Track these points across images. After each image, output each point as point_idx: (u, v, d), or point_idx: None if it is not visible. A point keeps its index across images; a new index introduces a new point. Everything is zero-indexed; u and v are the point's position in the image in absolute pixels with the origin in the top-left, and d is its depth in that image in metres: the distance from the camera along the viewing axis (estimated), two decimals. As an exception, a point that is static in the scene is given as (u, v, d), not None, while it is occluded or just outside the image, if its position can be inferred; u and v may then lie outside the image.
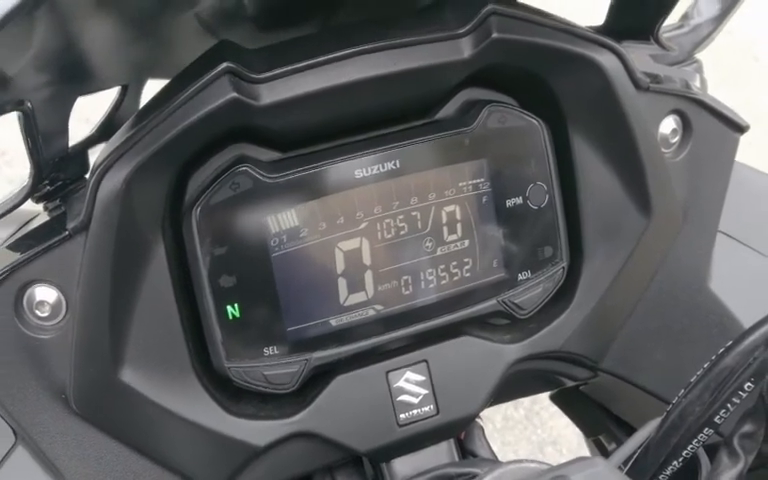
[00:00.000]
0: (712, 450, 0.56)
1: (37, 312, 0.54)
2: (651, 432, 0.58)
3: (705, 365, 0.54)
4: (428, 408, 0.63)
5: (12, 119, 0.47)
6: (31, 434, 0.56)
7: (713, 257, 0.68)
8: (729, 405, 0.54)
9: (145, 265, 0.56)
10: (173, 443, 0.59)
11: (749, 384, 0.53)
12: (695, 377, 0.55)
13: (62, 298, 0.55)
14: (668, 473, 0.57)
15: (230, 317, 0.59)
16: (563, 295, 0.66)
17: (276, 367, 0.60)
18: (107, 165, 0.52)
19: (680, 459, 0.56)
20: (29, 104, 0.45)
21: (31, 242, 0.54)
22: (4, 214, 0.54)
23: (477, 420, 0.69)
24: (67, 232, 0.53)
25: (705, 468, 0.57)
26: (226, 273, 0.58)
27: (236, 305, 0.59)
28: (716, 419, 0.54)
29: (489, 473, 0.47)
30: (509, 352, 0.65)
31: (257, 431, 0.60)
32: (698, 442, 0.55)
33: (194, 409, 0.58)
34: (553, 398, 0.91)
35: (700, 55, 0.75)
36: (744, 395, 0.53)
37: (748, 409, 0.54)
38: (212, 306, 0.58)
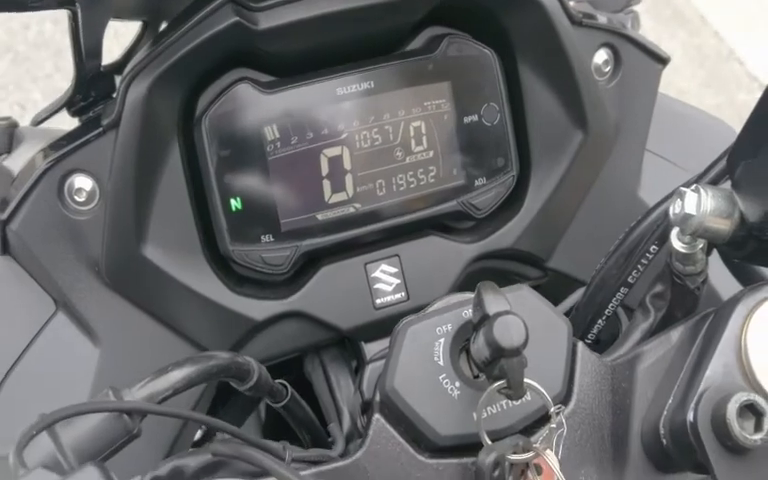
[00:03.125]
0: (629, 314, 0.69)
1: (76, 197, 0.67)
2: (578, 298, 0.70)
3: (620, 236, 0.67)
4: (400, 295, 0.75)
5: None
6: (71, 300, 0.68)
7: (642, 170, 0.80)
8: (639, 266, 0.66)
9: (163, 162, 0.69)
10: (186, 314, 0.71)
11: (654, 247, 0.65)
12: (613, 247, 0.67)
13: (96, 186, 0.67)
14: (595, 332, 0.69)
15: (233, 209, 0.71)
16: (514, 200, 0.78)
17: (271, 251, 0.72)
18: (133, 74, 0.65)
19: (603, 317, 0.68)
20: (77, 5, 0.57)
21: (70, 140, 0.67)
22: (52, 115, 0.66)
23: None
24: (101, 128, 0.65)
25: (624, 324, 0.69)
26: (230, 172, 0.70)
27: (238, 199, 0.71)
28: (629, 279, 0.66)
29: (437, 301, 0.59)
30: (468, 250, 0.77)
31: (256, 308, 0.72)
32: (617, 300, 0.68)
33: (204, 285, 0.71)
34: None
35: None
36: (651, 256, 0.65)
37: (657, 273, 0.66)
38: (218, 199, 0.70)
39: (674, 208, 0.58)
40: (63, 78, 2.85)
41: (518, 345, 0.49)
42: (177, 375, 0.52)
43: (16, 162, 0.72)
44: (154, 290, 0.70)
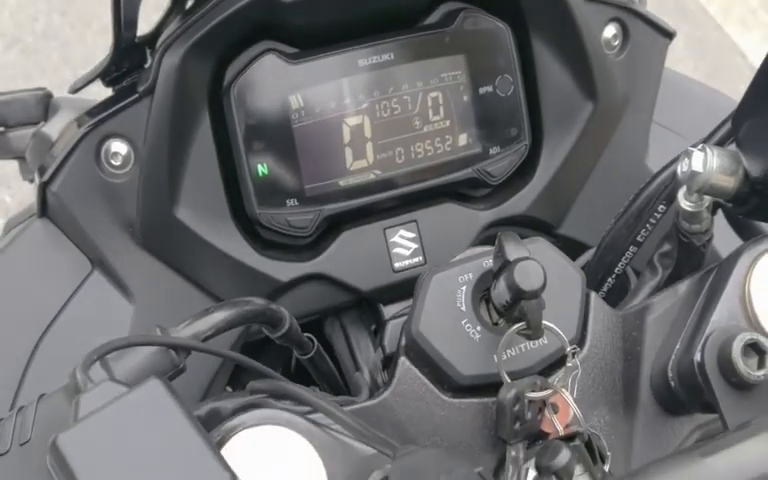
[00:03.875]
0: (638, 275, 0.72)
1: (112, 161, 0.70)
2: (589, 257, 0.74)
3: (630, 198, 0.70)
4: (417, 259, 0.79)
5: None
6: (106, 259, 0.72)
7: (649, 141, 0.84)
8: (648, 225, 0.69)
9: (195, 129, 0.72)
10: (215, 274, 0.74)
11: (662, 207, 0.68)
12: (623, 208, 0.71)
13: (131, 150, 0.70)
14: (605, 289, 0.73)
15: (260, 174, 0.74)
16: (526, 168, 0.81)
17: (296, 215, 0.75)
18: (168, 43, 0.68)
19: (613, 276, 0.72)
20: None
21: (107, 107, 0.70)
22: (88, 83, 0.70)
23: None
24: (137, 95, 0.69)
25: (633, 283, 0.73)
26: (257, 139, 0.74)
27: (265, 164, 0.74)
28: (639, 238, 0.70)
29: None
30: (483, 216, 0.81)
31: (281, 269, 0.76)
32: (626, 259, 0.71)
33: (232, 246, 0.74)
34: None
35: None
36: (659, 216, 0.69)
37: (665, 233, 0.69)
38: (246, 164, 0.74)
39: (682, 166, 0.62)
40: (71, 70, 2.89)
41: (537, 288, 0.53)
42: (218, 316, 0.56)
43: (53, 129, 0.76)
44: (185, 250, 0.73)
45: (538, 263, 0.53)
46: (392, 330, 0.73)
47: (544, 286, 0.53)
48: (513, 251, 0.54)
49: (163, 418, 0.38)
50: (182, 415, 0.38)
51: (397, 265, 0.79)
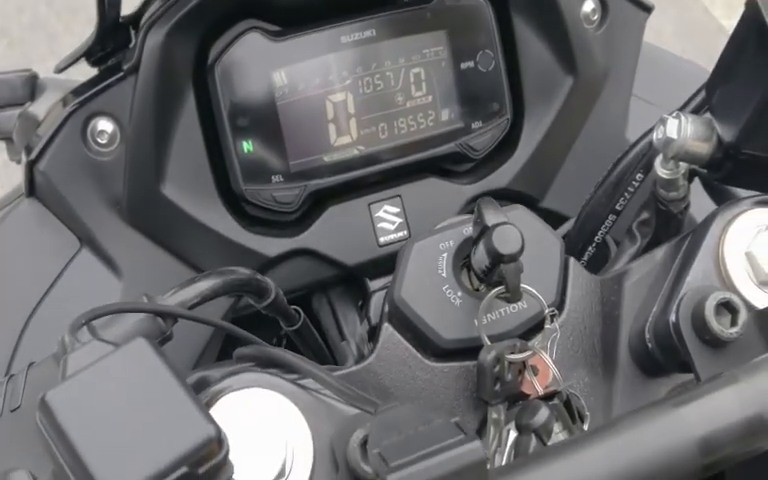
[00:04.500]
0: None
1: (98, 139, 0.71)
2: (570, 227, 0.75)
3: (608, 168, 0.72)
4: (402, 233, 0.80)
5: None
6: (95, 237, 0.73)
7: (629, 114, 0.85)
8: (626, 194, 0.71)
9: (180, 106, 0.73)
10: (202, 250, 0.75)
11: (640, 175, 0.70)
12: (601, 178, 0.72)
13: (117, 129, 0.71)
14: (585, 258, 0.74)
15: (245, 150, 0.75)
16: (508, 143, 0.83)
17: (281, 190, 0.76)
18: (152, 22, 0.69)
19: (593, 244, 0.73)
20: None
21: (92, 86, 0.71)
22: (73, 63, 0.71)
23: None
24: (122, 73, 0.70)
25: (613, 251, 0.74)
26: (242, 116, 0.75)
27: (250, 141, 0.75)
28: (617, 207, 0.71)
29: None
30: (466, 190, 0.82)
31: (267, 245, 0.77)
32: (606, 228, 0.72)
33: (218, 223, 0.75)
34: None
35: None
36: (637, 184, 0.70)
37: (643, 202, 0.71)
38: (231, 141, 0.75)
39: (657, 134, 0.63)
40: (58, 61, 2.89)
41: (515, 251, 0.54)
42: (204, 285, 0.57)
43: (39, 109, 0.77)
44: (172, 227, 0.74)
45: (516, 227, 0.54)
46: (377, 302, 0.75)
47: (522, 250, 0.54)
48: (492, 217, 0.55)
49: (149, 375, 0.39)
50: (168, 373, 0.39)
51: (382, 239, 0.80)
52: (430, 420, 0.40)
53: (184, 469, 0.37)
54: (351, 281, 0.84)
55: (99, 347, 0.41)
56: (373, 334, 0.73)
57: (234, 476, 0.46)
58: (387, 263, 0.80)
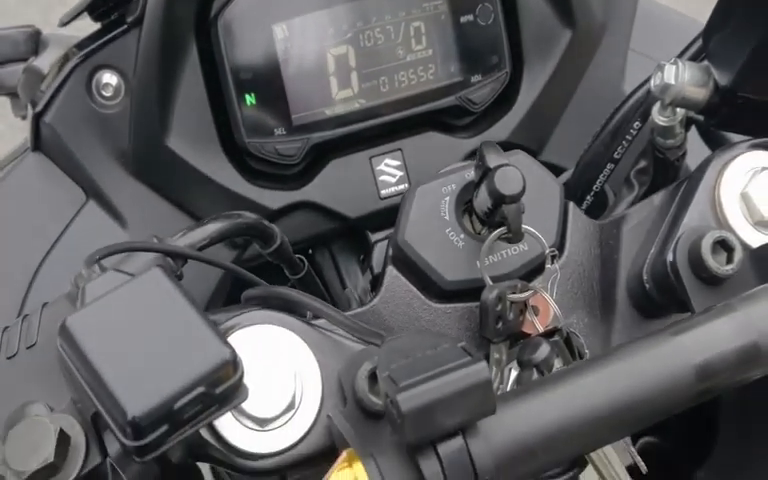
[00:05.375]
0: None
1: (103, 92, 0.72)
2: (568, 176, 0.76)
3: (607, 117, 0.73)
4: (403, 186, 0.81)
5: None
6: (101, 189, 0.74)
7: (626, 67, 0.86)
8: (624, 142, 0.72)
9: (183, 59, 0.74)
10: (206, 202, 0.76)
11: (638, 123, 0.71)
12: (600, 127, 0.73)
13: (121, 81, 0.72)
14: (584, 207, 0.76)
15: (248, 103, 0.76)
16: (508, 96, 0.84)
17: (284, 143, 0.77)
18: None
19: (592, 193, 0.75)
20: None
21: (96, 38, 0.72)
22: (76, 16, 0.71)
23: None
24: (126, 25, 0.70)
25: (611, 199, 0.76)
26: (244, 69, 0.75)
27: (252, 94, 0.76)
28: (615, 155, 0.73)
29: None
30: (466, 144, 0.83)
31: (270, 197, 0.78)
32: (604, 176, 0.74)
33: (222, 175, 0.76)
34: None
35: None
36: (635, 133, 0.71)
37: (641, 150, 0.72)
38: (234, 94, 0.75)
39: (655, 80, 0.64)
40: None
41: (517, 192, 0.55)
42: (213, 227, 0.58)
43: (44, 63, 0.77)
44: (176, 179, 0.75)
45: (517, 169, 0.56)
46: (379, 251, 0.76)
47: (523, 190, 0.55)
48: (494, 159, 0.57)
49: (166, 302, 0.40)
50: (184, 300, 0.40)
51: (383, 192, 0.81)
52: (437, 344, 0.42)
53: (201, 389, 0.38)
54: (353, 234, 0.85)
55: (116, 277, 0.42)
56: (376, 283, 0.75)
57: (245, 406, 0.48)
58: (388, 215, 0.80)
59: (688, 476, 0.72)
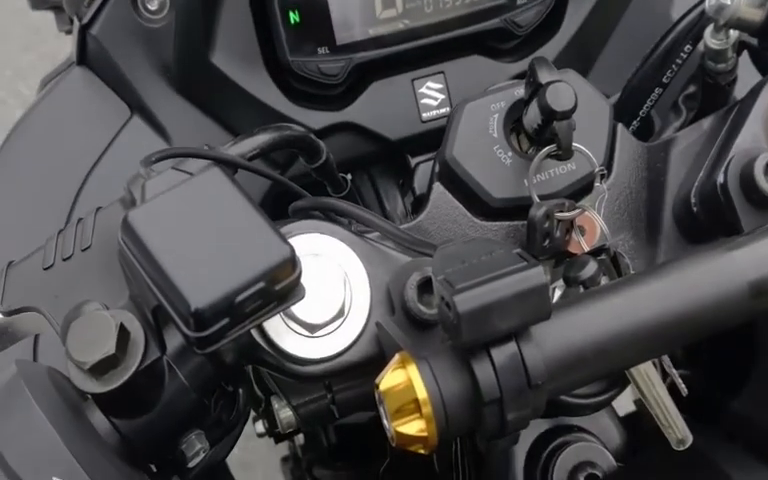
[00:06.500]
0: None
1: (148, 6, 0.72)
2: (614, 100, 0.75)
3: (657, 40, 0.71)
4: (445, 110, 0.81)
5: None
6: (145, 104, 0.74)
7: None
8: (674, 66, 0.71)
9: (227, -22, 0.73)
10: (248, 121, 0.76)
11: (689, 47, 0.70)
12: (649, 50, 0.72)
13: (166, -5, 0.72)
14: (630, 132, 0.75)
15: (292, 22, 0.75)
16: (553, 21, 0.82)
17: (327, 62, 0.77)
18: None
19: (638, 118, 0.74)
20: None
21: (142, -48, 0.71)
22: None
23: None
24: (172, -62, 0.70)
25: (657, 124, 0.75)
26: None
27: (296, 12, 0.75)
28: (664, 79, 0.71)
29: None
30: (510, 68, 0.82)
31: (312, 117, 0.78)
32: (651, 101, 0.73)
33: (265, 94, 0.76)
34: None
35: None
36: (685, 56, 0.70)
37: (690, 75, 0.71)
38: (278, 12, 0.75)
39: (710, 0, 0.63)
40: None
41: (568, 108, 0.55)
42: (262, 137, 0.58)
43: (88, -24, 0.77)
44: (220, 96, 0.75)
45: (569, 85, 0.55)
46: (422, 172, 0.76)
47: (575, 107, 0.55)
48: (546, 75, 0.56)
49: (226, 199, 0.41)
50: (243, 198, 0.41)
51: (425, 115, 0.80)
52: (492, 250, 0.42)
53: (261, 284, 0.39)
54: (392, 158, 0.85)
55: (175, 175, 0.43)
56: (418, 205, 0.75)
57: (296, 311, 0.48)
58: (429, 139, 0.80)
59: (722, 406, 0.72)
